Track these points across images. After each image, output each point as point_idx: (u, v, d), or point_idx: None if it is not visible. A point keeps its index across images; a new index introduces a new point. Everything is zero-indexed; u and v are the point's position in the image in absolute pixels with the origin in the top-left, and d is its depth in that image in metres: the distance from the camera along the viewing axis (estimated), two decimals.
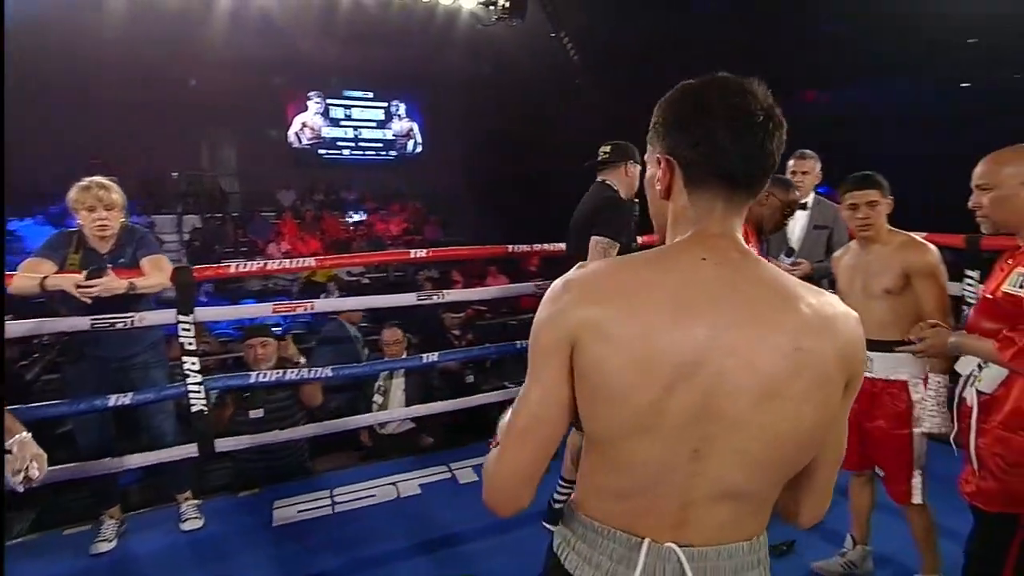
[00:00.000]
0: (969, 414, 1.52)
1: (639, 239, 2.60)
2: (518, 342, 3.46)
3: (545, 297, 0.83)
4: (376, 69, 13.32)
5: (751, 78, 0.79)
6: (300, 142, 13.64)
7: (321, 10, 10.14)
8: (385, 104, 14.68)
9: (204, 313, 2.95)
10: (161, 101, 10.70)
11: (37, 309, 2.68)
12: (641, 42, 9.53)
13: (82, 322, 2.45)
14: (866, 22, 8.50)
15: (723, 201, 0.80)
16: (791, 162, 3.09)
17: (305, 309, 2.98)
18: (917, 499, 1.94)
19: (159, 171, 11.56)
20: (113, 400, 2.53)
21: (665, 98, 0.84)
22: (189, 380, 2.73)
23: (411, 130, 14.98)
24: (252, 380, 2.94)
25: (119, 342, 2.58)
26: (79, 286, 2.28)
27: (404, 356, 3.83)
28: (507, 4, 7.04)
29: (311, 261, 3.12)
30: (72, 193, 2.46)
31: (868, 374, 1.77)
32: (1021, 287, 1.40)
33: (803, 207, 3.01)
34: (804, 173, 3.07)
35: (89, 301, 2.32)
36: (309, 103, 13.71)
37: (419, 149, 15.08)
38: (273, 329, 3.68)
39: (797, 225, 3.06)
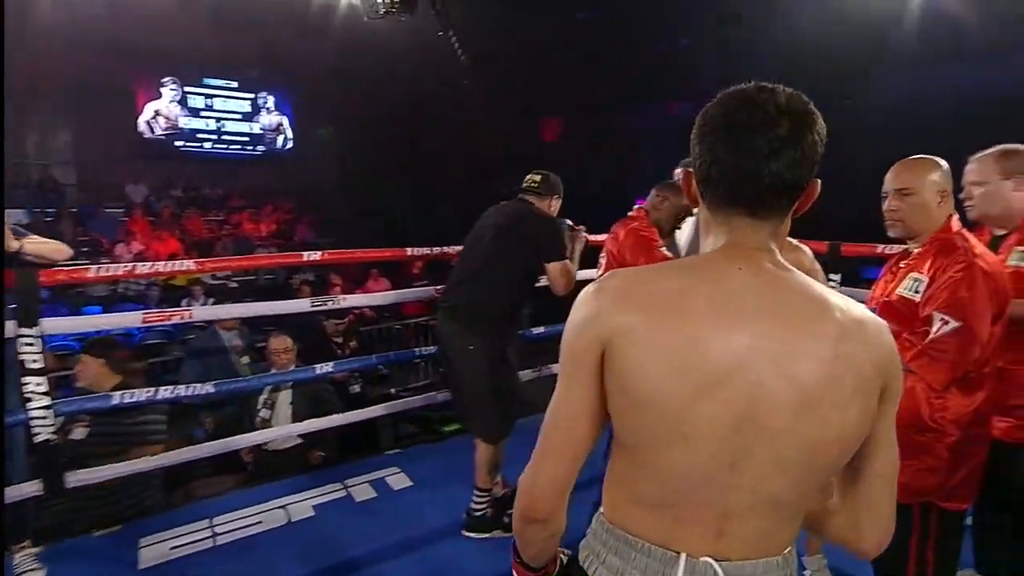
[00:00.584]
0: None
1: None
2: (417, 349, 3.35)
3: (577, 302, 0.82)
4: (241, 58, 12.40)
5: (778, 87, 0.77)
6: (153, 132, 12.30)
7: None
8: (252, 96, 13.70)
9: (54, 325, 2.50)
10: None
11: None
12: (526, 45, 9.71)
13: None
14: (727, 38, 9.28)
15: (743, 215, 0.80)
16: (677, 171, 3.26)
17: (182, 318, 2.63)
18: None
19: None
20: None
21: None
22: (33, 404, 2.31)
23: (281, 124, 14.12)
24: (116, 402, 2.55)
25: None
26: None
27: (293, 364, 3.55)
28: None
29: (190, 264, 2.73)
30: None
31: None
32: (915, 292, 1.53)
33: (690, 213, 3.20)
34: None
35: None
36: (163, 90, 12.41)
37: (289, 145, 14.25)
38: (124, 339, 3.22)
39: (686, 228, 3.24)
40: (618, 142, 11.11)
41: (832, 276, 3.17)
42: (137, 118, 12.13)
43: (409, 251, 3.29)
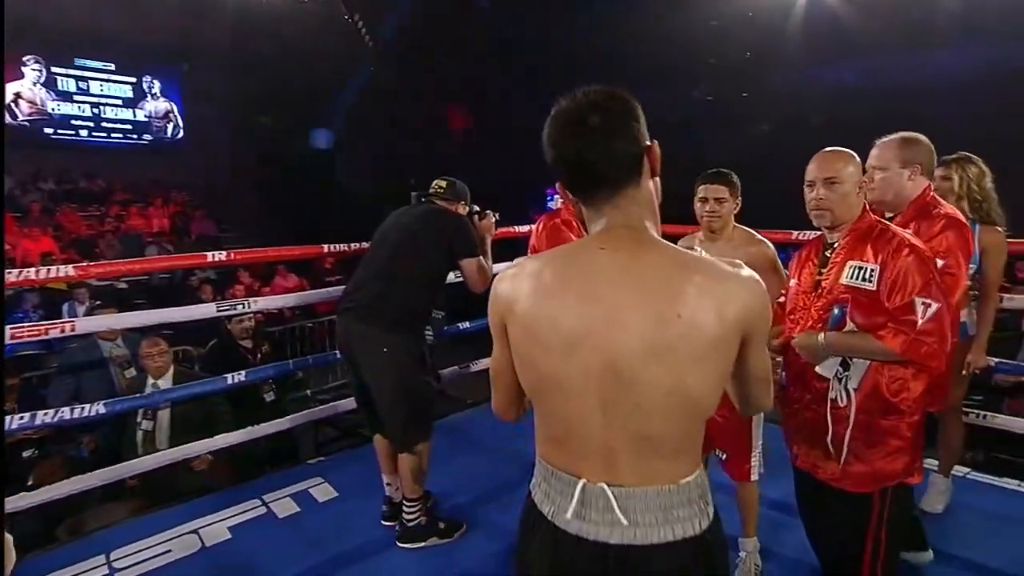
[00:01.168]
0: (846, 413, 1.59)
1: None
2: (337, 352, 3.14)
3: (492, 284, 1.05)
4: (120, 36, 11.31)
5: (606, 87, 0.94)
6: (15, 118, 10.98)
7: None
8: (134, 79, 12.56)
9: None
10: None
11: None
12: (429, 31, 9.49)
13: None
14: (625, 35, 9.50)
15: (593, 197, 0.97)
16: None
17: (62, 330, 2.29)
18: (755, 476, 2.11)
19: None
20: None
21: None
22: None
23: (170, 111, 13.07)
24: None
25: None
26: None
27: (170, 368, 3.24)
28: None
29: (69, 270, 2.34)
30: None
31: None
32: (866, 280, 1.54)
33: None
34: None
35: None
36: (25, 69, 11.10)
37: (180, 134, 13.22)
38: None
39: None
40: (521, 132, 11.15)
41: None
42: None
43: (326, 248, 3.09)
